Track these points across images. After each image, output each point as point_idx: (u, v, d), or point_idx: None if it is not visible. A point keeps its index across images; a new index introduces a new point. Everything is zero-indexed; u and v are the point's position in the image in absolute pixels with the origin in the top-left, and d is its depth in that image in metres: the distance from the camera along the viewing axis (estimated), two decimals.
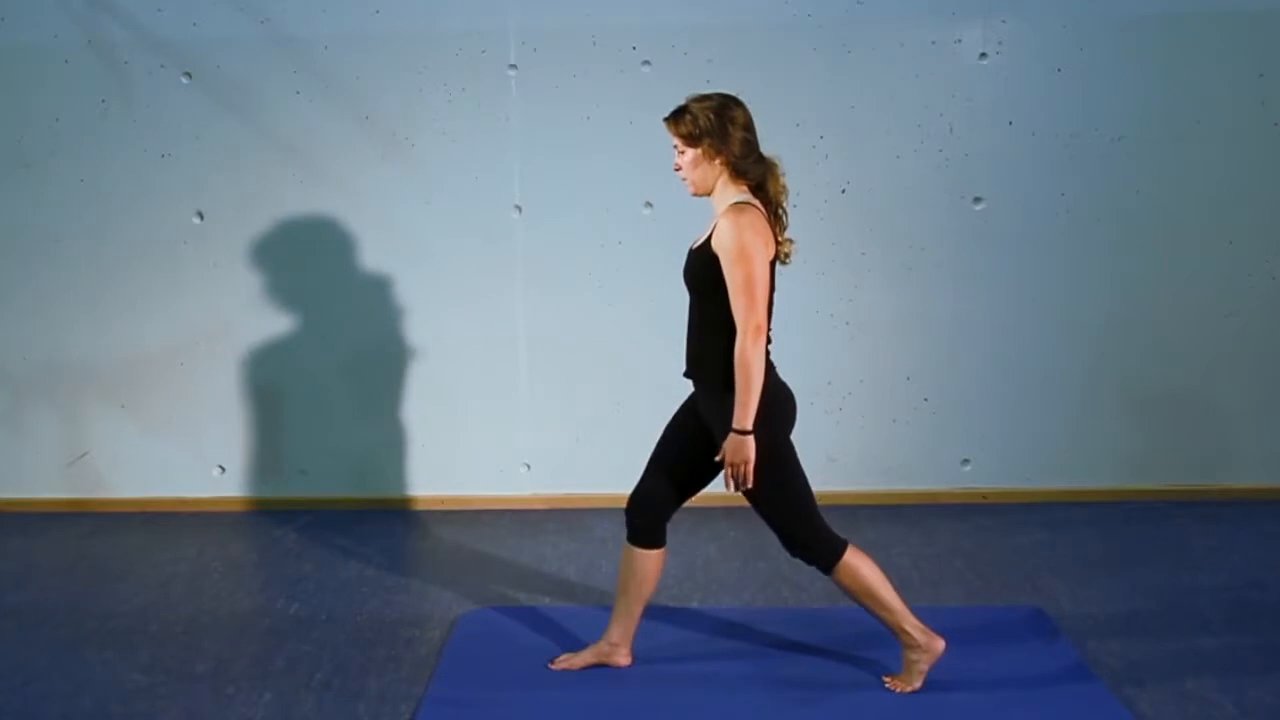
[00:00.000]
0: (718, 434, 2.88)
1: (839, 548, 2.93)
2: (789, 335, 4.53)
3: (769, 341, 2.88)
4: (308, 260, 4.58)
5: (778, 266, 2.92)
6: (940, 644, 2.99)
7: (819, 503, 2.94)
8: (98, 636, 3.49)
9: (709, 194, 2.91)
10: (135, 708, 3.02)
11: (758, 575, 3.90)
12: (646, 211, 4.48)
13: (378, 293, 4.59)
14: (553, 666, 3.18)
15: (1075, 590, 3.72)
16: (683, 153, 2.88)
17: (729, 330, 2.79)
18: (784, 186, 2.92)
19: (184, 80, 4.47)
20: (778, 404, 2.89)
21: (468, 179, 4.50)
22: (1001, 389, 4.59)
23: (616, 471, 4.61)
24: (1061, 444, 4.63)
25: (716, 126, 2.83)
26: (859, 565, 2.94)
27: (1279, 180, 4.44)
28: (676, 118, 2.88)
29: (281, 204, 4.54)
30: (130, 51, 4.46)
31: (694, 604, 3.67)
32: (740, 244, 2.74)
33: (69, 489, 4.79)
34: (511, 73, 4.43)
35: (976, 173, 4.44)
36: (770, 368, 2.90)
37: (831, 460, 4.65)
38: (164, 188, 4.55)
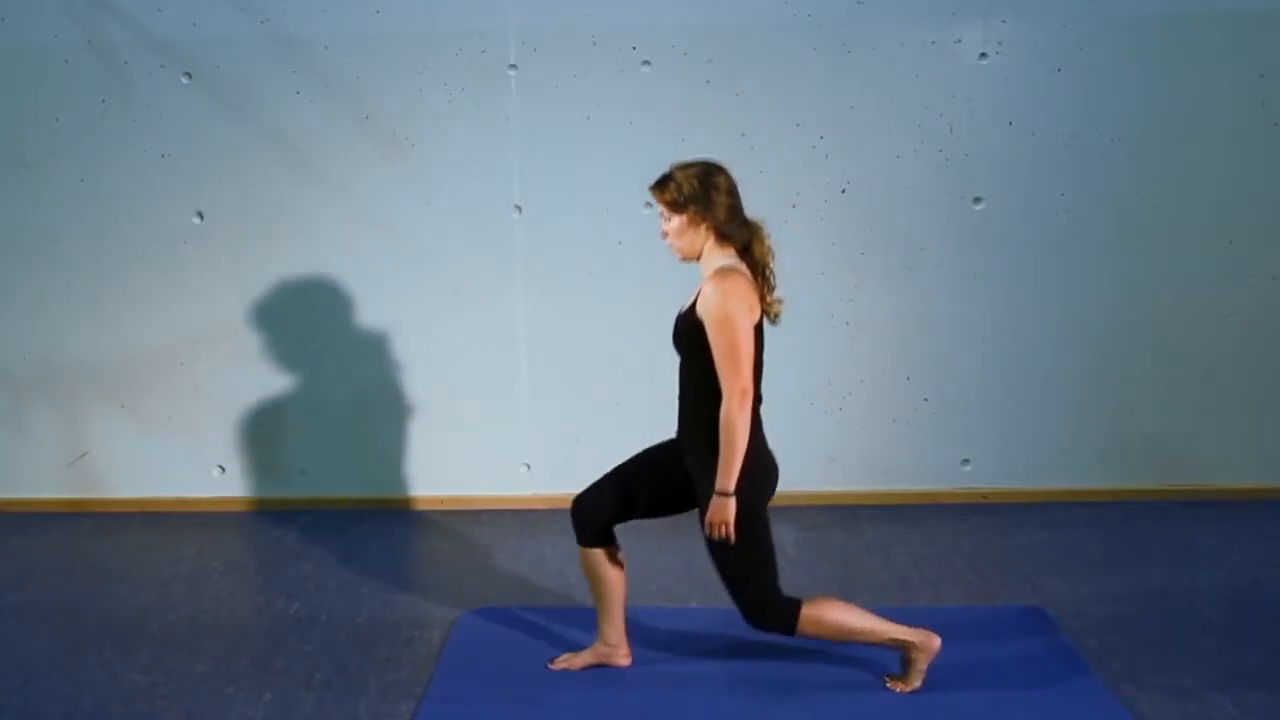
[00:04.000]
0: (701, 493, 2.92)
1: (793, 610, 2.96)
2: (789, 335, 4.53)
3: (759, 402, 2.91)
4: (307, 260, 4.58)
5: (767, 327, 2.96)
6: (936, 640, 3.00)
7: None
8: (98, 636, 3.49)
9: (696, 259, 2.94)
10: (135, 708, 3.03)
11: None
12: (646, 211, 4.48)
13: (378, 293, 4.59)
14: (552, 667, 3.19)
15: (1075, 590, 3.72)
16: (669, 219, 2.91)
17: (715, 394, 2.82)
18: (770, 249, 2.95)
19: (184, 80, 4.47)
20: (758, 475, 2.91)
21: (468, 179, 4.50)
22: (1001, 389, 4.59)
23: None
24: (1061, 444, 4.63)
25: (700, 193, 2.86)
26: (818, 615, 2.97)
27: (1279, 180, 4.44)
28: (661, 186, 2.91)
29: (281, 204, 4.54)
30: (130, 51, 4.46)
31: (694, 604, 3.67)
32: (723, 310, 2.78)
33: (69, 489, 4.79)
34: (511, 73, 4.43)
35: (976, 173, 4.44)
36: (759, 435, 2.92)
37: (831, 460, 4.66)
38: (164, 188, 4.55)
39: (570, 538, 4.29)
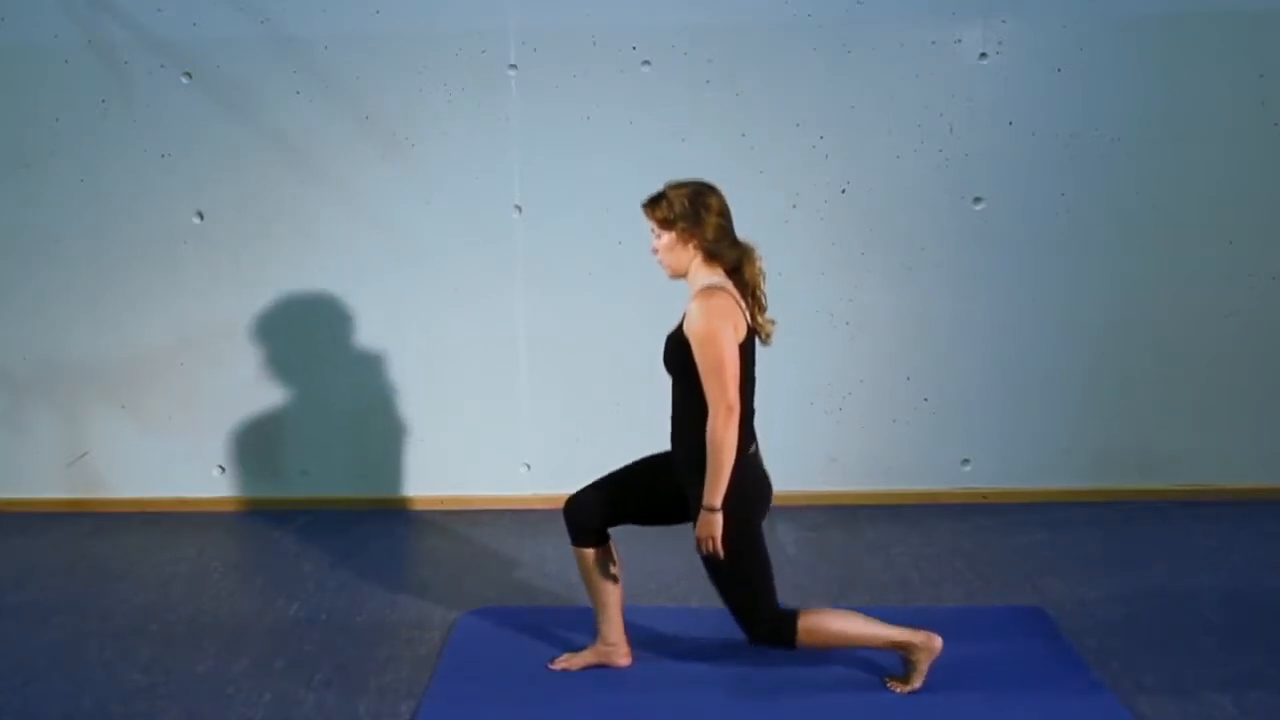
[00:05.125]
0: (695, 511, 2.92)
1: (791, 625, 2.99)
2: (789, 335, 4.54)
3: (750, 417, 2.94)
4: (307, 260, 4.58)
5: (759, 346, 2.98)
6: (937, 641, 3.01)
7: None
8: (98, 636, 3.49)
9: (683, 276, 2.97)
10: (135, 708, 3.03)
11: None
12: None
13: (377, 293, 4.59)
14: (552, 667, 3.19)
15: (1075, 590, 3.72)
16: (659, 236, 2.93)
17: (706, 413, 2.83)
18: (761, 271, 2.97)
19: (184, 80, 4.47)
20: (752, 490, 2.95)
21: (468, 179, 4.50)
22: (1001, 389, 4.59)
23: None
24: (1061, 444, 4.63)
25: (690, 211, 2.88)
26: (814, 625, 2.99)
27: (1279, 180, 4.44)
28: (653, 203, 2.94)
29: (281, 204, 4.54)
30: (130, 51, 4.46)
31: (694, 604, 3.67)
32: (708, 328, 2.80)
33: (69, 489, 4.79)
34: (511, 73, 4.43)
35: (976, 173, 4.44)
36: (753, 452, 2.96)
37: (831, 460, 4.66)
38: (164, 188, 4.55)
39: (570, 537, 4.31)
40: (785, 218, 4.47)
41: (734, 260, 2.93)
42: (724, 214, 2.92)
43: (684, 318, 2.88)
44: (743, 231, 2.98)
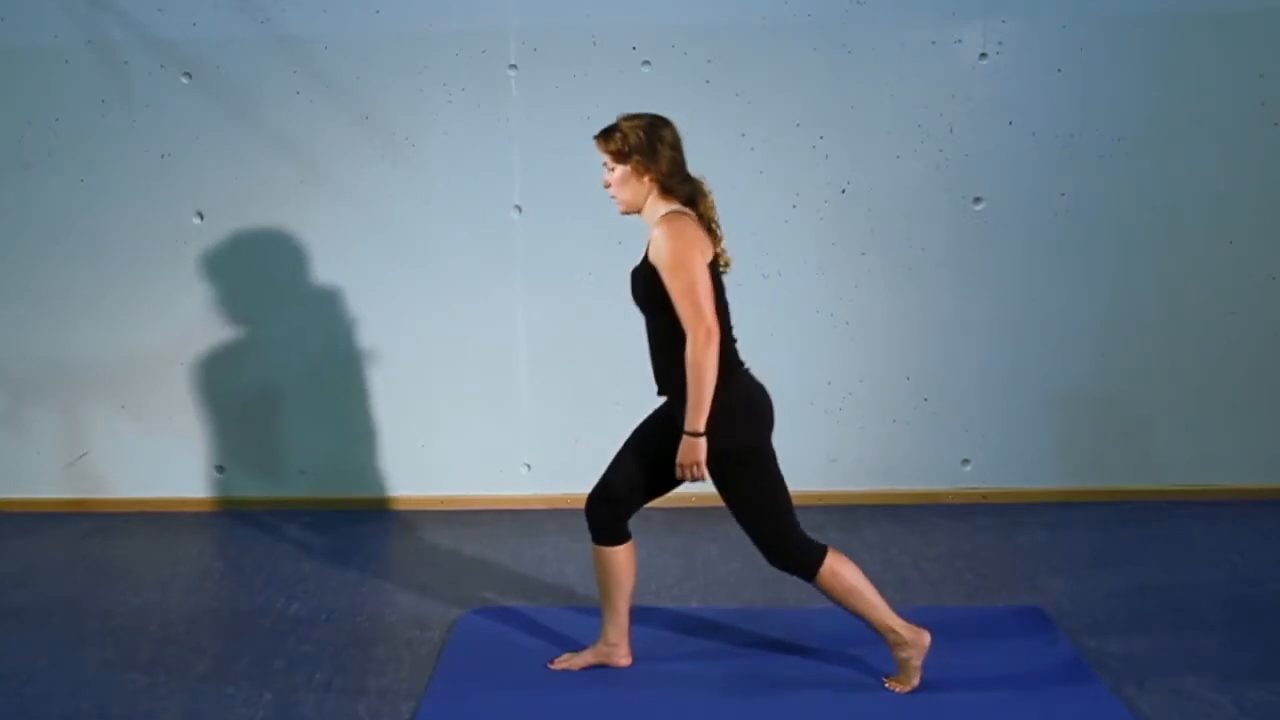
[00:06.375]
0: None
1: (819, 555, 2.96)
2: (789, 335, 4.56)
3: (734, 341, 2.92)
4: (307, 260, 4.58)
5: (724, 277, 2.95)
6: (926, 637, 3.01)
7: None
8: (98, 636, 3.49)
9: (638, 211, 2.96)
10: (135, 708, 3.03)
11: (758, 575, 3.89)
12: None
13: (377, 293, 4.59)
14: (552, 666, 3.19)
15: (1075, 590, 3.72)
16: (612, 169, 2.93)
17: (684, 341, 2.81)
18: (712, 204, 2.96)
19: (184, 80, 4.47)
20: (753, 411, 2.92)
21: (468, 179, 4.50)
22: (1001, 389, 4.59)
23: None
24: (1061, 444, 4.63)
25: (646, 144, 2.87)
26: (840, 569, 2.97)
27: (1279, 180, 4.44)
28: (606, 135, 2.93)
29: (281, 204, 4.54)
30: (130, 51, 4.46)
31: (694, 604, 3.67)
32: (676, 252, 2.78)
33: (69, 489, 4.79)
34: (511, 73, 4.43)
35: (976, 173, 4.44)
36: (742, 372, 2.94)
37: (831, 460, 4.66)
38: (164, 188, 4.54)
39: (570, 537, 4.32)
40: (785, 218, 4.47)
41: (687, 194, 2.92)
42: (677, 146, 2.91)
43: (649, 247, 2.86)
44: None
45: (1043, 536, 4.26)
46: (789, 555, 2.97)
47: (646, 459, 3.05)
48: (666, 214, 2.87)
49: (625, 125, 2.90)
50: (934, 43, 4.37)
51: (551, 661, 3.22)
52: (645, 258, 2.89)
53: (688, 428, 2.81)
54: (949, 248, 4.50)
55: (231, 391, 4.69)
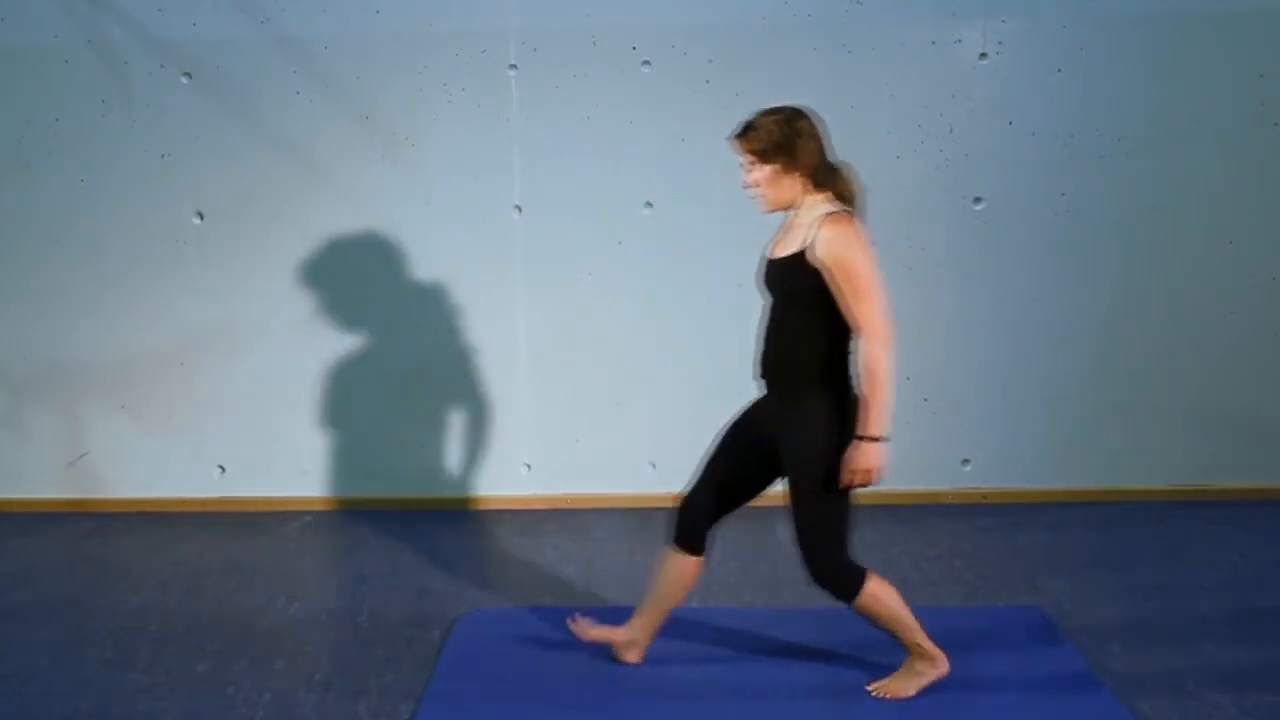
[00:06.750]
0: (784, 444, 2.85)
1: (860, 581, 2.90)
2: None
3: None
4: (307, 260, 4.58)
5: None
6: (945, 664, 2.99)
7: None
8: (98, 636, 3.49)
9: (788, 209, 2.87)
10: (135, 708, 3.02)
11: (758, 576, 3.90)
12: (646, 211, 4.48)
13: (377, 293, 4.59)
14: (570, 624, 3.22)
15: (1075, 590, 3.72)
16: (755, 168, 2.83)
17: (817, 340, 2.78)
18: (857, 191, 2.88)
19: (184, 80, 4.47)
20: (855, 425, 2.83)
21: (468, 179, 4.50)
22: (1001, 389, 4.59)
23: (616, 472, 4.63)
24: (1061, 444, 4.63)
25: (786, 140, 2.79)
26: (880, 593, 2.91)
27: (1279, 180, 4.43)
28: (745, 134, 2.83)
29: (281, 204, 4.54)
30: (130, 51, 4.46)
31: (694, 605, 3.67)
32: (856, 255, 2.72)
33: (69, 489, 4.79)
34: (511, 73, 4.43)
35: (976, 173, 4.44)
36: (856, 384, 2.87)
37: None
38: (164, 188, 4.55)
39: (569, 537, 4.32)
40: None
41: (835, 184, 2.83)
42: (817, 136, 2.83)
43: (812, 244, 2.74)
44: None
45: (1043, 536, 4.26)
46: (835, 574, 2.90)
47: (729, 470, 3.01)
48: (832, 214, 2.78)
49: (763, 121, 2.81)
50: (934, 43, 4.37)
51: (572, 619, 3.23)
52: (801, 252, 2.77)
53: (869, 433, 2.73)
54: (949, 248, 4.50)
55: (231, 391, 4.69)
